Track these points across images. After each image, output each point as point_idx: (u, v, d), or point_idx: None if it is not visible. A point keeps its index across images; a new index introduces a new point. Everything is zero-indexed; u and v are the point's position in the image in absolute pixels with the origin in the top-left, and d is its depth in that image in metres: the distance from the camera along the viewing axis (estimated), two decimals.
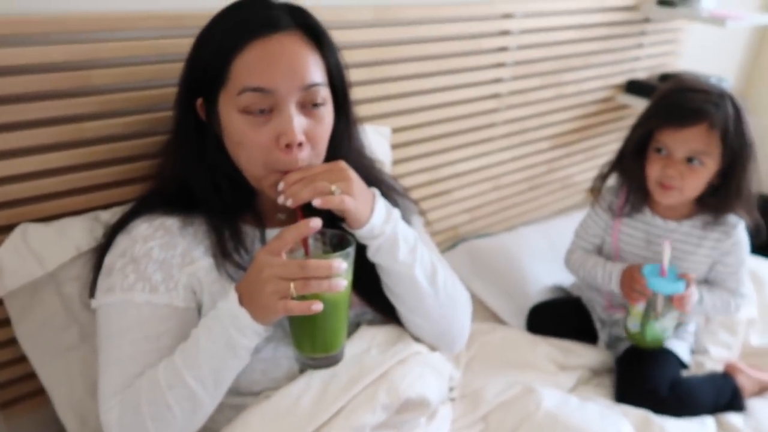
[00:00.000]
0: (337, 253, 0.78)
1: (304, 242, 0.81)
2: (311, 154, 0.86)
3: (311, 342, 0.83)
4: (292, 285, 0.73)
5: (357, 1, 1.27)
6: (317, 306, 0.74)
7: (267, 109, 0.82)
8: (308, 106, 0.84)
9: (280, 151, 0.82)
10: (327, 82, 0.87)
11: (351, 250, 0.79)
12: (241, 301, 0.77)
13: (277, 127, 0.82)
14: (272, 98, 0.81)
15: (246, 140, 0.83)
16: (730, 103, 1.20)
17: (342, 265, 0.75)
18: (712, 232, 1.30)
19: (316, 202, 0.79)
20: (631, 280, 1.26)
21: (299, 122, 0.82)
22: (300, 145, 0.82)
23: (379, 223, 0.86)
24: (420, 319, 0.96)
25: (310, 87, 0.83)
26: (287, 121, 0.81)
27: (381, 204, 0.87)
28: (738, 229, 1.29)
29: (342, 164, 0.85)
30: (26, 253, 0.95)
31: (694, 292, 1.24)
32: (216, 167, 0.89)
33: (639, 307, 1.25)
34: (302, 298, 0.74)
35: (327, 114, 0.87)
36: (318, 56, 0.86)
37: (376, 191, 0.89)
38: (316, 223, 0.76)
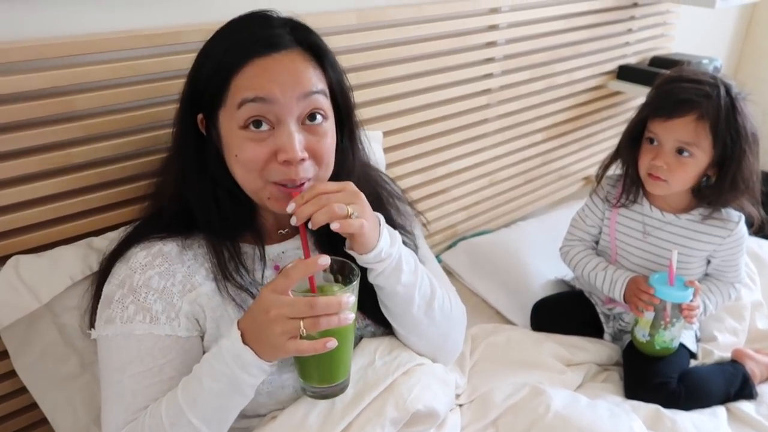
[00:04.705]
0: (346, 288, 0.77)
1: (311, 280, 0.78)
2: (315, 169, 0.84)
3: (318, 374, 0.82)
4: (301, 323, 0.71)
5: (339, 5, 1.25)
6: (332, 343, 0.72)
7: (268, 124, 0.80)
8: (309, 120, 0.82)
9: (279, 164, 0.81)
10: (329, 95, 0.85)
11: (357, 282, 0.78)
12: (245, 339, 0.75)
13: (276, 142, 0.80)
14: (272, 110, 0.79)
15: (244, 154, 0.82)
16: (725, 94, 1.17)
17: (351, 299, 0.74)
18: (712, 227, 1.28)
19: (335, 226, 0.76)
20: (638, 290, 1.25)
21: (299, 139, 0.81)
22: (302, 161, 0.81)
23: (386, 246, 0.83)
24: (415, 337, 0.95)
25: (310, 95, 0.81)
26: (287, 136, 0.80)
27: (385, 227, 0.85)
28: (740, 224, 1.27)
29: (353, 186, 0.82)
30: (20, 286, 0.93)
31: (700, 304, 1.24)
32: (216, 182, 0.87)
33: (648, 316, 1.24)
34: (310, 335, 0.72)
35: (329, 128, 0.85)
36: (320, 71, 0.84)
37: (379, 215, 0.86)
38: (325, 260, 0.73)
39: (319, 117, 0.83)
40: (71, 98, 0.96)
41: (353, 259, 0.83)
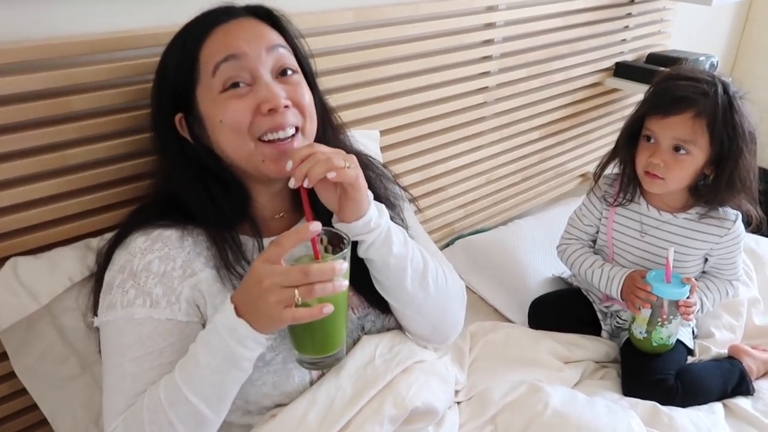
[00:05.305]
0: (338, 254, 0.76)
1: (314, 244, 0.78)
2: (300, 119, 0.86)
3: (313, 344, 0.81)
4: (296, 292, 0.70)
5: (337, 4, 1.25)
6: (328, 308, 0.72)
7: (245, 83, 0.83)
8: (282, 76, 0.86)
9: (264, 116, 0.82)
10: (293, 54, 0.89)
11: (349, 249, 0.78)
12: (239, 312, 0.74)
13: (258, 97, 0.83)
14: (245, 66, 0.83)
15: (227, 114, 0.83)
16: (723, 92, 1.17)
17: (344, 266, 0.74)
18: (709, 225, 1.28)
19: (331, 175, 0.76)
20: (634, 287, 1.25)
21: (279, 89, 0.83)
22: (286, 107, 0.83)
23: (374, 216, 0.84)
24: (412, 312, 0.95)
25: (276, 47, 0.86)
26: (266, 88, 0.83)
27: (372, 201, 0.86)
28: (737, 223, 1.27)
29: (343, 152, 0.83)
30: (18, 288, 0.93)
31: (696, 301, 1.24)
32: (208, 178, 0.88)
33: (645, 313, 1.24)
34: (304, 303, 0.72)
35: (303, 81, 0.88)
36: (278, 33, 0.89)
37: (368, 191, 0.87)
38: (316, 227, 0.73)
39: (290, 71, 0.87)
40: (68, 99, 0.96)
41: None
